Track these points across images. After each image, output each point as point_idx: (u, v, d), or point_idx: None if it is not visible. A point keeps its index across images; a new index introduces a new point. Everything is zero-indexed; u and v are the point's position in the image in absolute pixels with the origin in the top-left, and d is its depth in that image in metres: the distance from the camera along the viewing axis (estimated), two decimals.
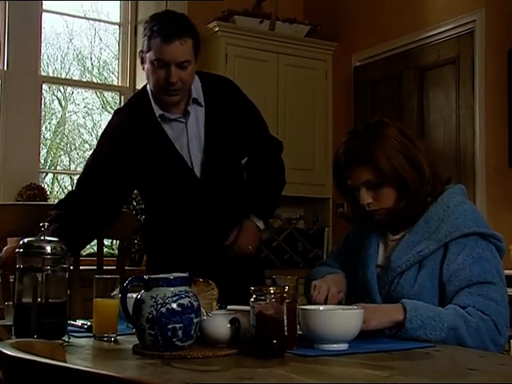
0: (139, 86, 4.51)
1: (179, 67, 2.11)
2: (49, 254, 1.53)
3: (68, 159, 4.82)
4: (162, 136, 2.23)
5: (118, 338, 1.62)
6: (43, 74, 4.39)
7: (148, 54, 2.14)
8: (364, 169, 1.79)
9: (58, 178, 4.78)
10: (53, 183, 4.72)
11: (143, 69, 2.21)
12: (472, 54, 3.82)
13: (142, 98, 2.27)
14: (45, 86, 4.40)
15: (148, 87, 2.26)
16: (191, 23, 2.19)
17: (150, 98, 2.24)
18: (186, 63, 2.13)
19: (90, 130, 4.82)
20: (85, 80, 4.72)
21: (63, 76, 4.68)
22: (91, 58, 4.76)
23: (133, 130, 2.25)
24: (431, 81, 4.10)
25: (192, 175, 2.25)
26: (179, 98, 2.20)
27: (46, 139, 4.66)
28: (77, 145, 4.83)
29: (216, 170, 2.28)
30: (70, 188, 4.79)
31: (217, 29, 4.34)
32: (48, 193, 4.20)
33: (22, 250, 1.54)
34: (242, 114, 2.35)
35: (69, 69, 4.68)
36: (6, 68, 4.11)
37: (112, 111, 4.79)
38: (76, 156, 4.82)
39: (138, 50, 2.26)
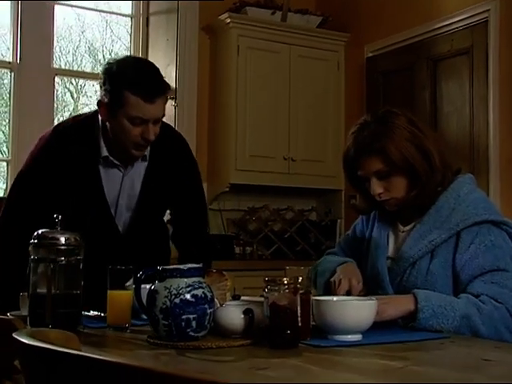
0: None
1: (155, 123, 2.01)
2: (63, 245, 1.54)
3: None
4: (96, 178, 2.11)
5: (131, 328, 1.63)
6: (55, 66, 4.40)
7: (122, 109, 1.97)
8: (374, 159, 1.79)
9: None
10: None
11: (105, 121, 2.04)
12: (486, 44, 3.78)
13: (90, 130, 2.11)
14: (57, 79, 4.41)
15: (100, 122, 2.09)
16: (161, 73, 2.04)
17: (100, 134, 2.09)
18: (162, 117, 2.04)
19: None
20: (97, 72, 4.73)
21: (75, 69, 4.69)
22: (103, 51, 4.76)
23: (69, 157, 2.08)
24: (444, 71, 4.07)
25: (114, 227, 2.15)
26: (145, 152, 2.10)
27: None
28: None
29: (140, 229, 2.18)
30: None
31: (228, 20, 4.32)
32: None
33: (36, 241, 1.55)
34: (183, 176, 2.24)
35: (81, 61, 4.69)
36: (18, 61, 4.12)
37: None
38: None
39: (97, 99, 2.07)
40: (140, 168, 2.16)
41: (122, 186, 2.14)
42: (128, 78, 1.97)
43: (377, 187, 1.81)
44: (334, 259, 2.02)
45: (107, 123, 2.06)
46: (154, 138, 2.03)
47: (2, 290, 2.02)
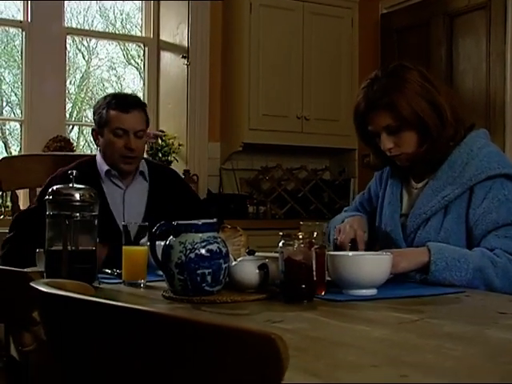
0: (163, 37, 4.52)
1: (136, 136, 2.30)
2: (77, 201, 1.54)
3: (93, 114, 4.81)
4: (100, 193, 2.13)
5: (146, 284, 1.64)
6: (67, 26, 4.36)
7: (107, 126, 2.31)
8: (384, 113, 1.77)
9: (84, 132, 4.79)
10: (78, 138, 4.73)
11: (97, 145, 2.38)
12: None
13: (92, 160, 2.39)
14: (69, 40, 4.37)
15: (98, 158, 2.37)
16: (138, 96, 2.45)
17: (97, 162, 2.36)
18: (142, 132, 2.33)
19: (114, 84, 4.80)
20: (109, 32, 4.68)
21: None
22: (114, 11, 4.71)
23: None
24: (461, 27, 3.99)
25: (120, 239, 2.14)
26: (134, 166, 2.35)
27: (71, 94, 4.66)
28: None
29: None
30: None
31: None
32: (74, 145, 4.22)
33: (51, 198, 1.55)
34: (182, 203, 2.42)
35: (92, 22, 4.64)
36: (30, 20, 4.09)
37: (136, 64, 4.75)
38: None
39: (91, 129, 2.42)
40: (142, 187, 2.39)
41: (125, 202, 2.34)
42: (108, 100, 2.35)
43: (387, 142, 1.79)
44: (344, 214, 2.03)
45: (100, 147, 2.37)
46: (138, 152, 2.32)
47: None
